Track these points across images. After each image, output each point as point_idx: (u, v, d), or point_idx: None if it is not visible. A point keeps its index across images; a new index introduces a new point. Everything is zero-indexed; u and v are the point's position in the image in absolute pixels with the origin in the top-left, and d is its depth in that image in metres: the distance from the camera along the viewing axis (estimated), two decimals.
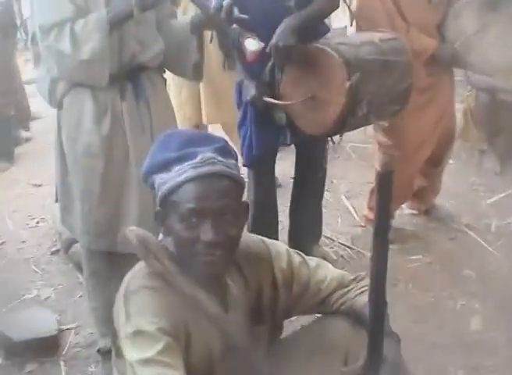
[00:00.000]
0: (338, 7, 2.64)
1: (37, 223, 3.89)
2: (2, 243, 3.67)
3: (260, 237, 1.66)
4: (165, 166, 1.40)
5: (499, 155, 4.25)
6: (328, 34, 2.67)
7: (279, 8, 2.47)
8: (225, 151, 1.43)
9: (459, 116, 4.46)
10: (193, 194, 1.37)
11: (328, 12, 2.67)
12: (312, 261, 1.66)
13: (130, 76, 2.24)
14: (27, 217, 3.97)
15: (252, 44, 2.18)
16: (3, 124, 5.04)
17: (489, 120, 4.19)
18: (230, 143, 1.72)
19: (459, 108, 4.54)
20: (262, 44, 2.21)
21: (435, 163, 3.32)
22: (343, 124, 2.40)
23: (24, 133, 5.59)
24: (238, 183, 1.45)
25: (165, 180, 1.40)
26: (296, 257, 1.64)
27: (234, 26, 2.18)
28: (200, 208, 1.37)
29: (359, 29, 2.94)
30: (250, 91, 2.53)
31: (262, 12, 2.44)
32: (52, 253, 3.48)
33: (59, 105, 2.26)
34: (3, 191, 4.46)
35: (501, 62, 3.00)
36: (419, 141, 3.07)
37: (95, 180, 2.23)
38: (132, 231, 1.48)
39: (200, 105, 3.65)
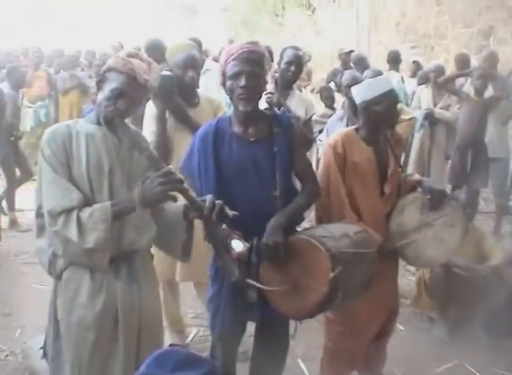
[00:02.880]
0: (319, 198, 2.93)
1: (6, 356, 3.91)
2: None
3: None
4: None
5: (449, 324, 4.42)
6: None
7: (265, 197, 2.69)
8: None
9: (412, 285, 4.79)
10: None
11: (310, 205, 2.92)
12: None
13: (125, 259, 2.47)
14: None
15: (238, 246, 2.36)
16: None
17: (442, 290, 4.36)
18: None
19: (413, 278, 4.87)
20: (247, 245, 2.38)
21: (380, 335, 3.48)
22: (321, 310, 2.62)
23: None
24: None
25: None
26: None
27: (223, 226, 2.36)
28: None
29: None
30: (234, 272, 2.53)
31: (250, 200, 2.66)
32: None
33: (58, 277, 2.47)
34: None
35: (435, 257, 3.20)
36: (366, 318, 3.25)
37: (85, 349, 2.43)
38: None
39: (175, 262, 3.63)
